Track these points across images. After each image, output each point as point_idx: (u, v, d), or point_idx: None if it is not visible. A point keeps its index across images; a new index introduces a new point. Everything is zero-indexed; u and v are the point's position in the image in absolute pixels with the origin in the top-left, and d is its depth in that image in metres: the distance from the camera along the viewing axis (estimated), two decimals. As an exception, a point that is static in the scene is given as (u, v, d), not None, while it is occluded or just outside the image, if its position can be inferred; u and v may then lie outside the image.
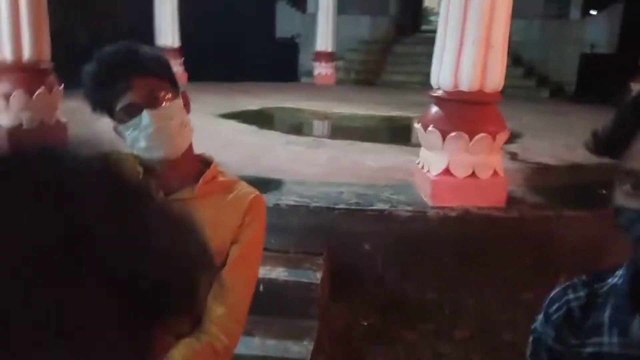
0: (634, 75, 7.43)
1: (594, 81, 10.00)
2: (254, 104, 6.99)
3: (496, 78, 3.00)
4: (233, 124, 5.67)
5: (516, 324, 2.95)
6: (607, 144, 0.82)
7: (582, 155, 4.63)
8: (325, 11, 9.67)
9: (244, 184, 1.42)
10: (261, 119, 6.09)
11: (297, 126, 6.47)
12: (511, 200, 3.17)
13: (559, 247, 3.10)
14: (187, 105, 1.36)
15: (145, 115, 1.25)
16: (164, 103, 1.27)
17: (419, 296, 3.04)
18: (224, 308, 1.31)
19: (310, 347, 2.61)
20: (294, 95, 7.90)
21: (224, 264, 1.34)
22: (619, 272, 0.89)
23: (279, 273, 2.84)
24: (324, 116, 6.69)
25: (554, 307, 0.94)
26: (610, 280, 0.90)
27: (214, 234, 1.30)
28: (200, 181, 1.35)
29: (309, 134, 6.03)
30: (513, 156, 4.48)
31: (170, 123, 1.28)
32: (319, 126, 6.57)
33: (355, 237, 3.08)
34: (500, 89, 3.06)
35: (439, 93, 3.12)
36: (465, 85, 2.97)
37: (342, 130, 5.98)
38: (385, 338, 2.84)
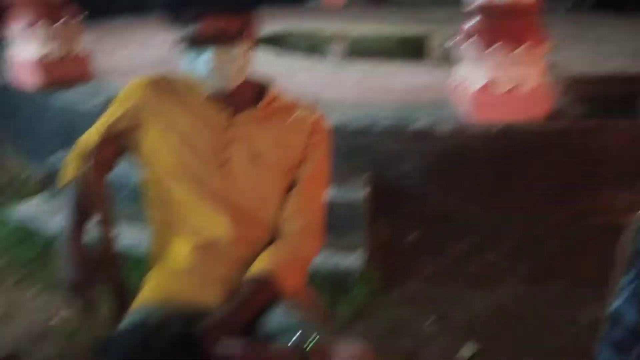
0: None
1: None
2: (265, 29, 6.75)
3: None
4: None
5: (563, 233, 2.98)
6: None
7: (620, 64, 4.50)
8: None
9: (305, 104, 1.41)
10: (278, 43, 5.91)
11: (317, 49, 6.30)
12: (554, 112, 3.13)
13: (602, 158, 3.10)
14: (254, 34, 1.31)
15: (208, 53, 1.22)
16: (232, 43, 1.23)
17: (462, 210, 3.07)
18: (298, 225, 1.32)
19: (362, 258, 2.69)
20: (305, 18, 7.66)
21: (294, 183, 1.34)
22: None
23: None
24: (343, 38, 6.50)
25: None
26: None
27: (281, 154, 1.33)
28: (261, 103, 1.34)
29: (332, 56, 5.88)
30: (553, 66, 4.36)
31: (230, 65, 1.25)
32: (341, 48, 6.39)
33: (397, 156, 3.08)
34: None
35: (478, 5, 3.01)
36: (503, -4, 2.87)
37: (365, 50, 5.82)
38: (433, 250, 2.90)
